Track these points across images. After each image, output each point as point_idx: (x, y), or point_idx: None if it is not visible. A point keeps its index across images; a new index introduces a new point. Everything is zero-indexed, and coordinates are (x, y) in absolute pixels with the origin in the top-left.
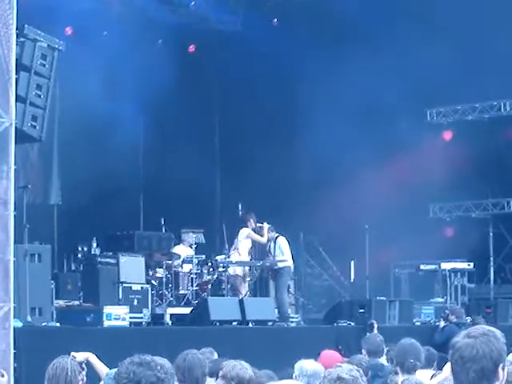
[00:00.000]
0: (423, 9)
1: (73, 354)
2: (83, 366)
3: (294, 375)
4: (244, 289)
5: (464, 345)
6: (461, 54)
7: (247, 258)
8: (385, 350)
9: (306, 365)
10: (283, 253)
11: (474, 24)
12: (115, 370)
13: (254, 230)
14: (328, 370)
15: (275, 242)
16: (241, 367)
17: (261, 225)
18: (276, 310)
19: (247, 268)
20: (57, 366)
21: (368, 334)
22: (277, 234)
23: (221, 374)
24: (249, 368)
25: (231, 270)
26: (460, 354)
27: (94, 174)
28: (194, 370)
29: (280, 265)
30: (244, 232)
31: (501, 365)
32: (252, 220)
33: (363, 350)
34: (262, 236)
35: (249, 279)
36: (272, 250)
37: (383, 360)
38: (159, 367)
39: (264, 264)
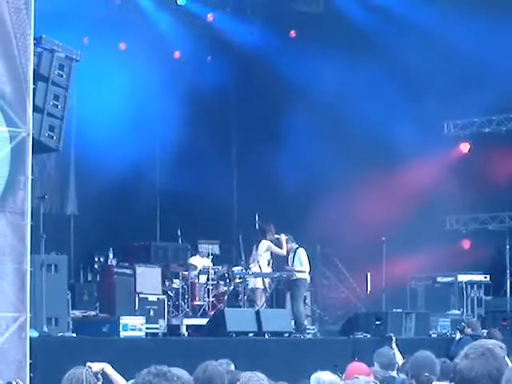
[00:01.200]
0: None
1: (88, 364)
2: (99, 376)
3: None
4: (261, 301)
5: (463, 367)
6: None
7: (268, 271)
8: (398, 364)
9: (322, 376)
10: (302, 264)
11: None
12: (132, 381)
13: (271, 241)
14: (345, 382)
15: (295, 253)
16: (257, 379)
17: (278, 236)
18: (292, 322)
19: (267, 280)
20: (72, 377)
21: (386, 346)
22: (297, 246)
23: None
24: (265, 379)
25: (252, 284)
26: (461, 375)
27: (111, 185)
28: (213, 381)
29: (298, 276)
30: (264, 244)
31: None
32: (271, 231)
33: (376, 363)
34: (280, 247)
35: (268, 291)
36: (291, 261)
37: (394, 373)
38: (176, 378)
39: (281, 275)
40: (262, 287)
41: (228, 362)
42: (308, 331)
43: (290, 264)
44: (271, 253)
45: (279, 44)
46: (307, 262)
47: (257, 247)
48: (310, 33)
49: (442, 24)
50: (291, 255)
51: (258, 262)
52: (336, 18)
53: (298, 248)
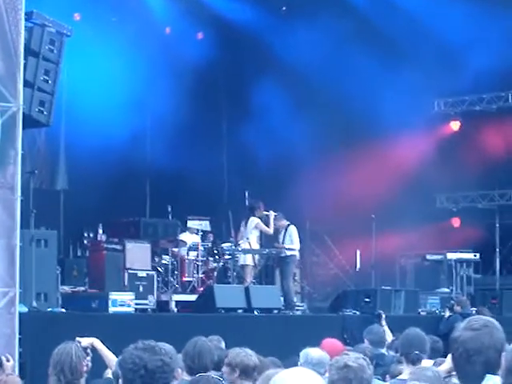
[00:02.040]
0: None
1: (78, 339)
2: (88, 351)
3: (299, 363)
4: (250, 277)
5: (468, 338)
6: None
7: (258, 247)
8: (387, 341)
9: (311, 353)
10: (293, 242)
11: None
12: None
13: (260, 218)
14: (335, 357)
15: (286, 230)
16: (245, 354)
17: (267, 213)
18: (282, 298)
19: (257, 257)
20: (62, 352)
21: (376, 324)
22: (288, 223)
23: (226, 361)
24: (253, 355)
25: (241, 260)
26: (465, 347)
27: (101, 161)
28: (203, 356)
29: (287, 253)
30: (253, 221)
31: (503, 353)
32: (260, 209)
33: (366, 340)
34: (268, 225)
35: (258, 268)
36: (281, 238)
37: (384, 350)
38: (164, 351)
39: (270, 252)
40: (252, 264)
41: (219, 339)
42: (297, 308)
43: (280, 241)
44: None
45: (270, 20)
46: (298, 239)
47: (245, 224)
48: (300, 8)
49: (431, 3)
50: (282, 232)
51: (247, 238)
52: None
53: (289, 225)
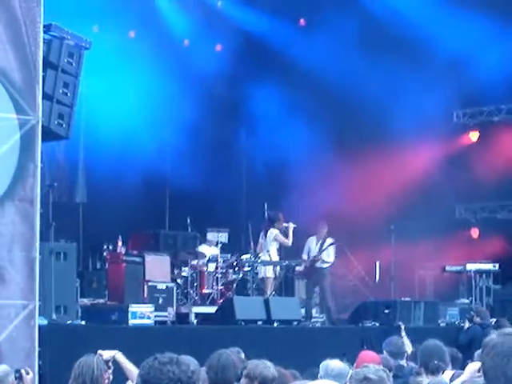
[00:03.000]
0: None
1: (99, 352)
2: (109, 364)
3: (319, 375)
4: (270, 289)
5: (499, 342)
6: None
7: (277, 259)
8: (407, 352)
9: (331, 365)
10: (329, 255)
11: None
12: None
13: (279, 229)
14: (355, 370)
15: (323, 242)
16: (264, 366)
17: (286, 225)
18: (303, 310)
19: (278, 269)
20: (83, 365)
21: (395, 335)
22: (325, 235)
23: (245, 373)
24: (272, 367)
25: (262, 273)
26: (496, 351)
27: (120, 173)
28: (227, 370)
29: (324, 265)
30: (273, 233)
31: None
32: (280, 220)
33: (385, 352)
34: (287, 236)
35: (278, 280)
36: (317, 249)
37: (403, 362)
38: (185, 365)
39: (290, 264)
40: (273, 276)
41: (238, 351)
42: (317, 320)
43: (316, 252)
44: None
45: (289, 32)
46: (333, 252)
47: (265, 235)
48: (317, 19)
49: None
50: (319, 243)
51: (267, 251)
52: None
53: (326, 238)
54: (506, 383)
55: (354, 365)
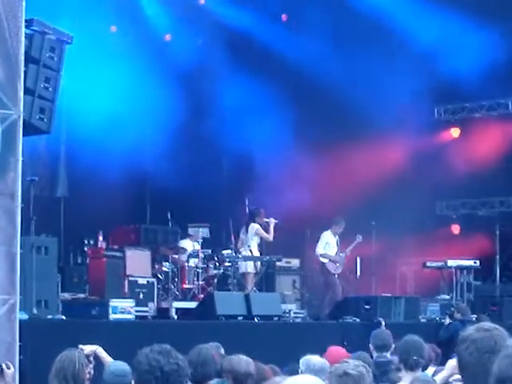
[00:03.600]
0: None
1: (81, 346)
2: (91, 359)
3: (299, 370)
4: (251, 285)
5: (480, 337)
6: None
7: (258, 254)
8: (392, 345)
9: (312, 360)
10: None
11: None
12: (117, 362)
13: (260, 224)
14: (334, 365)
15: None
16: (237, 361)
17: (268, 220)
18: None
19: (259, 264)
20: (64, 359)
21: (382, 328)
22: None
23: (222, 368)
24: (246, 362)
25: (243, 268)
26: (477, 346)
27: (101, 168)
28: (206, 365)
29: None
30: (254, 228)
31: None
32: (260, 215)
33: (370, 345)
34: (268, 232)
35: (259, 275)
36: (336, 244)
37: (389, 355)
38: (179, 355)
39: (270, 259)
40: (254, 271)
41: (218, 346)
42: (297, 315)
43: (336, 248)
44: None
45: (270, 28)
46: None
47: (246, 231)
48: (299, 15)
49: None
50: (336, 238)
51: (248, 246)
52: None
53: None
54: (487, 379)
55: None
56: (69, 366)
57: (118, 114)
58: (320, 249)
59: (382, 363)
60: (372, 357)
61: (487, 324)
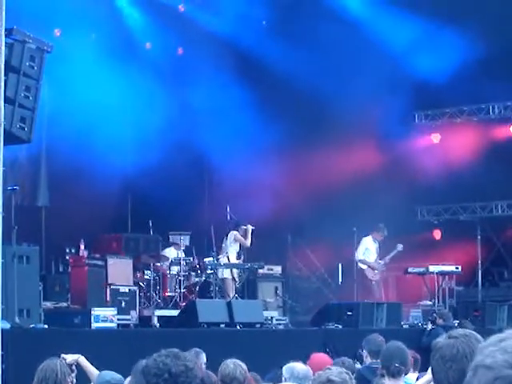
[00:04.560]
0: None
1: (63, 355)
2: (73, 367)
3: (283, 378)
4: (232, 292)
5: (445, 345)
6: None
7: (236, 261)
8: None
9: (296, 368)
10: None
11: None
12: (108, 372)
13: (238, 231)
14: (318, 372)
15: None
16: (224, 365)
17: (245, 227)
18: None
19: (236, 271)
20: (46, 368)
21: (375, 333)
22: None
23: None
24: (236, 365)
25: (220, 274)
26: (441, 353)
27: (82, 176)
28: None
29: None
30: (232, 235)
31: (469, 373)
32: (241, 225)
33: (364, 351)
34: (246, 238)
35: (238, 282)
36: (376, 251)
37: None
38: (186, 357)
39: (252, 266)
40: (231, 277)
41: (198, 352)
42: (279, 322)
43: (376, 254)
44: (240, 244)
45: (251, 33)
46: None
47: (226, 238)
48: (280, 22)
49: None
50: (376, 245)
51: (226, 253)
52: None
53: (382, 240)
54: None
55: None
56: (51, 375)
57: (99, 123)
58: (359, 254)
59: (376, 369)
60: (361, 362)
61: (459, 331)
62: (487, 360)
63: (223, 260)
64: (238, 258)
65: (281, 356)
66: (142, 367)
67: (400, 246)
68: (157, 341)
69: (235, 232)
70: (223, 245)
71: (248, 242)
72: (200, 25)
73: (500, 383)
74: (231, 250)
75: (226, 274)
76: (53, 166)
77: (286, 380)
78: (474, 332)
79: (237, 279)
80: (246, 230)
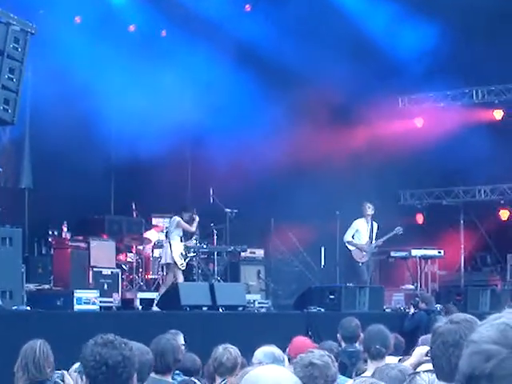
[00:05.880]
0: None
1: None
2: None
3: (256, 361)
4: (180, 277)
5: (447, 330)
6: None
7: (180, 246)
8: (361, 335)
9: (267, 350)
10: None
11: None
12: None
13: (182, 218)
14: (300, 355)
15: (372, 225)
16: (215, 349)
17: (193, 215)
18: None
19: (178, 256)
20: (26, 348)
21: (350, 317)
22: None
23: None
24: (225, 350)
25: (163, 259)
26: (442, 339)
27: (66, 158)
28: (166, 355)
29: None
30: (175, 220)
31: (463, 356)
32: (189, 209)
33: (338, 335)
34: (191, 225)
35: (183, 268)
36: (369, 233)
37: (357, 345)
38: (123, 345)
39: (235, 249)
40: (172, 262)
41: (176, 332)
42: (262, 305)
43: (367, 235)
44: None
45: (235, 17)
46: None
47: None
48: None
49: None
50: (369, 226)
51: (169, 238)
52: None
53: (373, 220)
54: (451, 373)
55: (287, 350)
56: (29, 354)
57: (83, 105)
58: (348, 236)
59: (351, 353)
60: (340, 346)
61: (460, 316)
62: (475, 336)
63: (166, 246)
64: (181, 242)
65: (263, 339)
66: (80, 356)
67: (399, 229)
68: (139, 323)
69: (178, 218)
70: (166, 229)
71: (193, 228)
72: (185, 6)
73: (476, 358)
74: (173, 236)
75: (168, 259)
76: (36, 148)
77: (259, 364)
78: (474, 317)
79: (179, 266)
80: (192, 218)
